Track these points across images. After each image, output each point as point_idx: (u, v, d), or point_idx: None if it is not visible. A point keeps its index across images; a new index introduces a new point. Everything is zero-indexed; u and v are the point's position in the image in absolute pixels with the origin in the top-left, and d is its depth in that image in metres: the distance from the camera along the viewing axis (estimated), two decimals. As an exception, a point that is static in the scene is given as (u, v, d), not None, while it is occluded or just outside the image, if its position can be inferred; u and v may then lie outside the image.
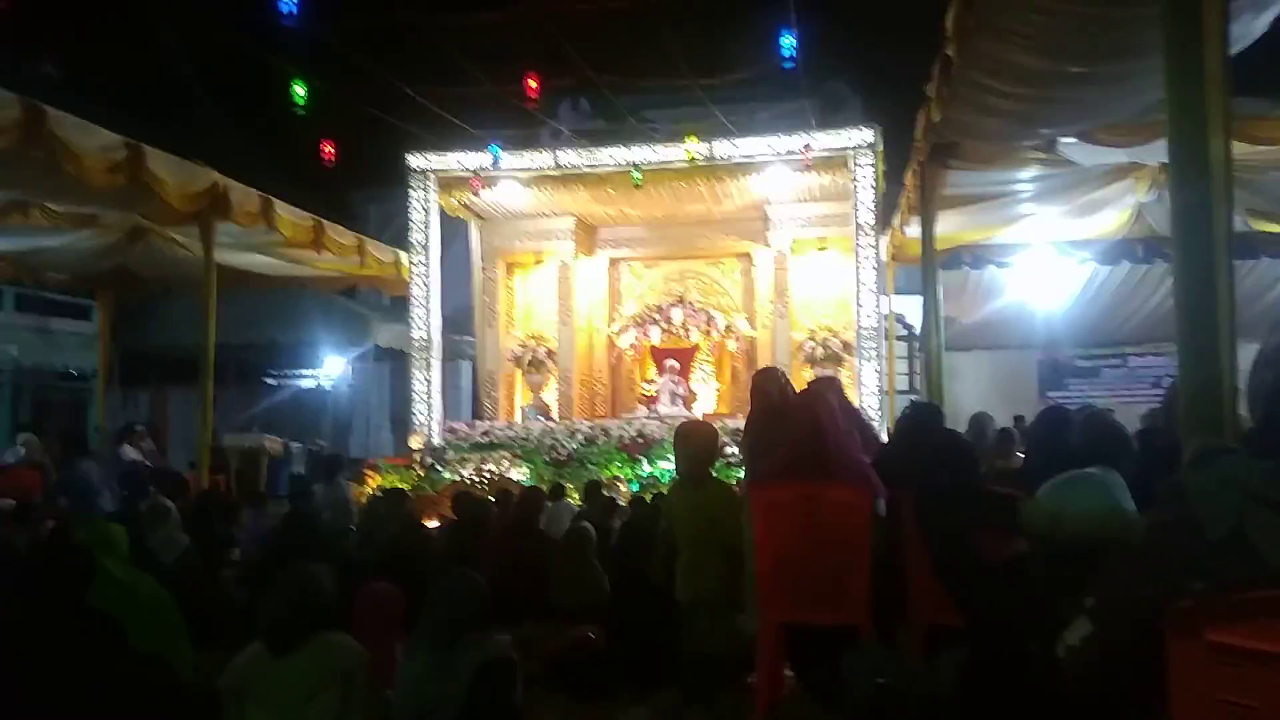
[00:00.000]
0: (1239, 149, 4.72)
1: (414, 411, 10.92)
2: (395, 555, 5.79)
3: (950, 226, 9.55)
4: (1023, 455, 5.75)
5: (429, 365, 10.92)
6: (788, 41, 7.19)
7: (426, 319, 10.97)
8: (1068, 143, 7.37)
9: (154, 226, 9.86)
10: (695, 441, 4.74)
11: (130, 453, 10.84)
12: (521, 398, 12.77)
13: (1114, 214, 10.34)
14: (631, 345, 12.46)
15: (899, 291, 12.96)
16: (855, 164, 10.26)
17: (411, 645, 3.70)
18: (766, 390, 4.89)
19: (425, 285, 10.97)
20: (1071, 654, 1.78)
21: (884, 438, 9.12)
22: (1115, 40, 4.85)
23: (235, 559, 6.66)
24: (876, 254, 10.36)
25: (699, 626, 4.47)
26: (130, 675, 3.14)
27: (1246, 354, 1.87)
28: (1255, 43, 4.95)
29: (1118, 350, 15.47)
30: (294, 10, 6.14)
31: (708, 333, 12.33)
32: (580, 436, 10.67)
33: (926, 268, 8.37)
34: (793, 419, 4.30)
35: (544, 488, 8.19)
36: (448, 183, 11.22)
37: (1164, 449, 3.50)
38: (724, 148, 10.42)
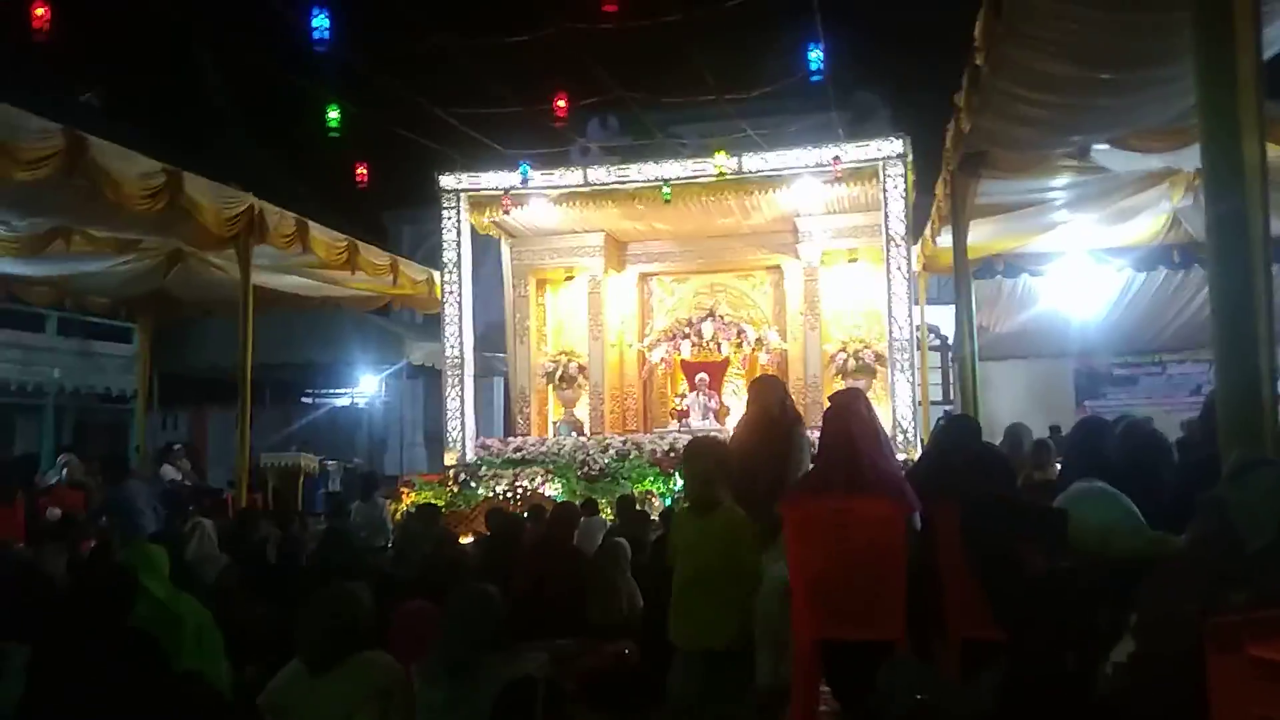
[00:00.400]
0: (1275, 152, 4.66)
1: (448, 428, 10.99)
2: (430, 572, 5.82)
3: (982, 235, 9.48)
4: (1060, 466, 5.67)
5: (462, 382, 11.00)
6: (815, 54, 7.21)
7: (459, 336, 11.06)
8: (1100, 149, 7.30)
9: (192, 250, 10.02)
10: (705, 459, 4.11)
11: (170, 472, 11.01)
12: (554, 413, 12.82)
13: (1149, 220, 10.21)
14: (662, 359, 12.46)
15: (931, 301, 12.88)
16: (885, 175, 10.21)
17: (429, 670, 3.41)
18: (765, 402, 4.49)
19: (458, 303, 11.06)
20: (1118, 671, 1.76)
21: (918, 450, 9.09)
22: (1146, 46, 4.80)
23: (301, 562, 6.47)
24: (908, 264, 10.29)
25: (707, 682, 3.88)
26: (171, 694, 3.18)
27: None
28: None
29: (1156, 357, 15.26)
30: (326, 35, 6.25)
31: (739, 346, 12.29)
32: (612, 451, 10.68)
33: (959, 277, 8.31)
34: (824, 431, 4.22)
35: (576, 503, 8.20)
36: (478, 201, 11.31)
37: (1203, 460, 3.45)
38: (753, 161, 10.42)
